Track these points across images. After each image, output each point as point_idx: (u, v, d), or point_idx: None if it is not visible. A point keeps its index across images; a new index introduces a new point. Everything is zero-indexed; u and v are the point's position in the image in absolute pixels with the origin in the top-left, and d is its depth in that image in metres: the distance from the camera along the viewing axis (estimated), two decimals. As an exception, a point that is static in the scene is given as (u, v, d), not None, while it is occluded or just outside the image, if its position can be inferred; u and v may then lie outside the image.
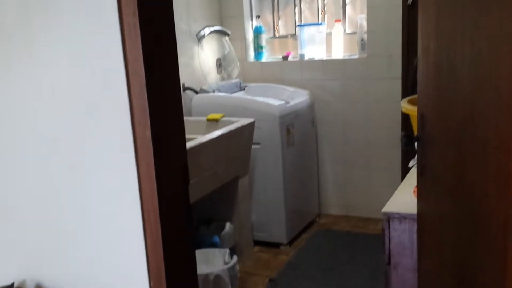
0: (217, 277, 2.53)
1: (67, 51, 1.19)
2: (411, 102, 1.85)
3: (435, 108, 1.43)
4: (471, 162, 1.13)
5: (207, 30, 3.53)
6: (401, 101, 1.90)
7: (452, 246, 1.36)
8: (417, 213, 1.69)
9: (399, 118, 3.50)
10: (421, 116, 1.53)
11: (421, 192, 1.64)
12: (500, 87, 0.90)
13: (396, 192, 1.99)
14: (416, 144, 1.65)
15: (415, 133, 1.94)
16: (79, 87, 1.20)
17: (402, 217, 1.80)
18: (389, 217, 1.81)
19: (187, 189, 1.25)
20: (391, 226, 1.82)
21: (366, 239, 3.48)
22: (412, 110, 1.74)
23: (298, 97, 3.53)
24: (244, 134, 3.00)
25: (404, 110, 1.83)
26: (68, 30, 1.18)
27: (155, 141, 1.13)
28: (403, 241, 1.81)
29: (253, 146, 3.18)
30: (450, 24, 1.27)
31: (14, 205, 1.37)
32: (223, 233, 3.03)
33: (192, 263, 1.27)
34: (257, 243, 3.42)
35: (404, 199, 1.91)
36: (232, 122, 3.00)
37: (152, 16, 1.13)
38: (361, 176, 3.82)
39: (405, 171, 3.54)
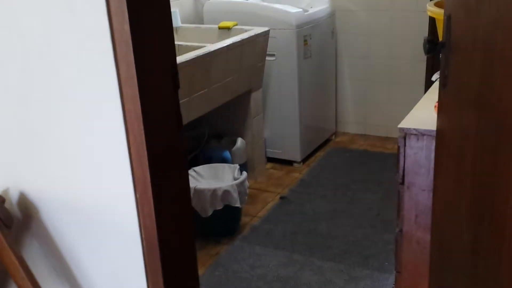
0: (226, 193, 2.47)
1: None
2: (438, 5, 1.64)
3: (464, 7, 1.24)
4: (501, 65, 0.97)
5: None
6: (427, 4, 1.68)
7: (473, 162, 1.23)
8: (437, 127, 1.55)
9: (426, 29, 3.24)
10: (448, 18, 1.33)
11: (442, 105, 1.49)
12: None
13: (416, 107, 1.84)
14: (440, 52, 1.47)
15: (440, 38, 1.75)
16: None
17: (420, 134, 1.66)
18: (405, 133, 1.67)
19: (176, 94, 1.12)
20: (407, 144, 1.68)
21: (383, 158, 3.37)
22: (438, 13, 1.54)
23: (318, 5, 3.28)
24: (258, 44, 2.82)
25: (429, 14, 1.63)
26: None
27: (135, 36, 0.98)
28: (419, 160, 1.69)
29: (268, 58, 3.00)
30: None
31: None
32: (234, 148, 2.94)
33: (183, 176, 1.17)
34: (269, 159, 3.34)
35: (423, 114, 1.75)
36: (245, 31, 2.80)
37: None
38: (382, 92, 3.63)
39: (429, 87, 3.34)
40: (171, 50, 1.09)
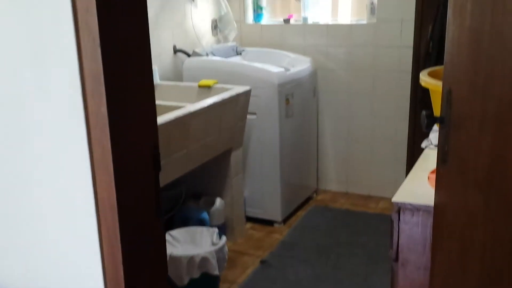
0: (204, 260, 2.31)
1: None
2: (432, 75, 1.58)
3: (468, 82, 1.17)
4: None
5: (201, -13, 3.21)
6: (420, 73, 1.62)
7: (483, 247, 1.14)
8: (435, 205, 1.45)
9: (408, 90, 3.23)
10: (448, 93, 1.26)
11: (441, 181, 1.40)
12: None
13: (408, 178, 1.75)
14: (436, 126, 1.39)
15: (435, 111, 1.68)
16: (18, 46, 0.93)
17: (415, 209, 1.56)
18: (399, 207, 1.57)
19: (157, 178, 1.00)
20: (401, 218, 1.58)
21: (366, 219, 3.27)
22: (434, 84, 1.47)
23: (299, 64, 3.25)
24: (239, 103, 2.74)
25: (424, 85, 1.56)
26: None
27: (113, 119, 0.86)
28: (415, 236, 1.58)
29: (249, 116, 2.92)
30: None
31: None
32: (213, 209, 2.80)
33: (162, 274, 1.03)
34: (249, 219, 3.20)
35: (417, 187, 1.66)
36: (226, 90, 2.73)
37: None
38: (364, 151, 3.57)
39: (412, 147, 3.30)
40: (152, 130, 0.97)
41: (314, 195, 3.64)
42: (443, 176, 1.37)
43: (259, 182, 3.13)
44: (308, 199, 3.56)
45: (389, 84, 3.34)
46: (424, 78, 1.56)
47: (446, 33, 1.27)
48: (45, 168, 0.97)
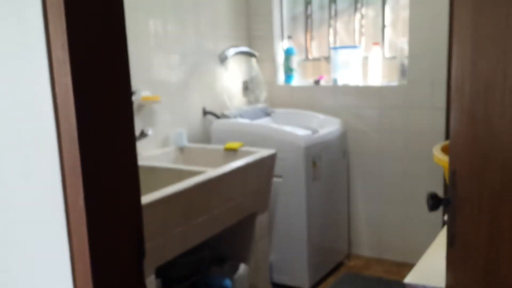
0: (221, 331, 2.25)
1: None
2: (445, 150, 1.52)
3: (467, 165, 1.12)
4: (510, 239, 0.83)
5: (231, 51, 3.29)
6: (433, 148, 1.57)
7: None
8: (446, 287, 1.37)
9: (441, 153, 3.13)
10: (453, 174, 1.21)
11: (451, 264, 1.32)
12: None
13: (426, 254, 1.67)
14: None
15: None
16: None
17: (428, 291, 1.47)
18: (412, 289, 1.49)
19: (141, 266, 0.99)
20: (415, 301, 1.49)
21: None
22: (445, 161, 1.42)
23: (329, 126, 3.23)
24: (264, 167, 2.73)
25: (436, 161, 1.50)
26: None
27: (90, 211, 0.87)
28: (429, 320, 1.49)
29: (275, 179, 2.90)
30: (490, 60, 0.97)
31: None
32: (236, 275, 2.74)
33: None
34: (276, 286, 3.11)
35: (434, 265, 1.58)
36: (251, 153, 2.73)
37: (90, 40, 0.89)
38: (398, 215, 3.44)
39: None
40: (135, 215, 0.97)
41: (346, 260, 3.51)
42: (451, 259, 1.30)
43: (286, 247, 3.06)
44: (339, 265, 3.43)
45: (421, 146, 3.25)
46: (436, 154, 1.51)
47: (450, 113, 1.23)
48: (21, 258, 0.97)
